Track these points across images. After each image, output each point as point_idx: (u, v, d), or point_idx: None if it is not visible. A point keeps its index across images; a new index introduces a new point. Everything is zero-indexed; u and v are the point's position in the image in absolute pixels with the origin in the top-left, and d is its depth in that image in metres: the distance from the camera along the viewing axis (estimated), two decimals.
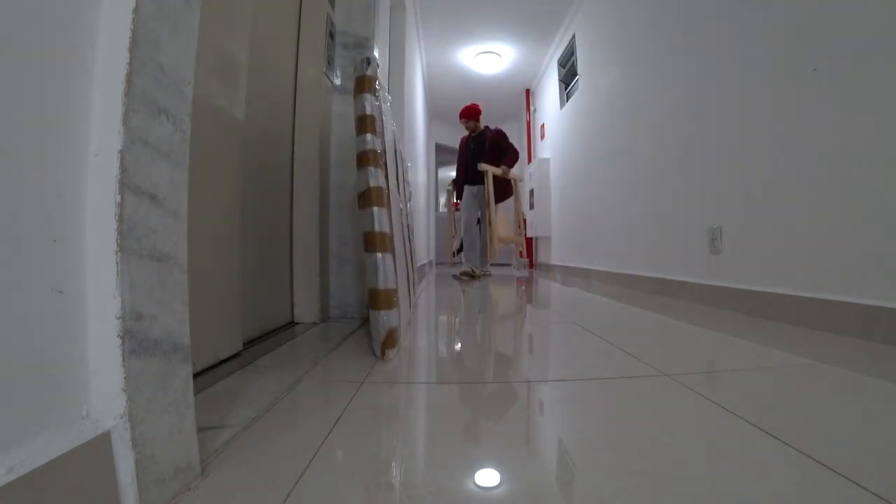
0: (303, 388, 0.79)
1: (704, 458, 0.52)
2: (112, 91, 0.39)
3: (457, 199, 4.14)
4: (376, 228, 1.04)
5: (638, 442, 0.56)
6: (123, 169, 0.38)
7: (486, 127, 3.80)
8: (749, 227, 1.59)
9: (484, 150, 3.68)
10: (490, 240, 3.60)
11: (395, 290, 1.06)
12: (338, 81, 1.65)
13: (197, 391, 0.71)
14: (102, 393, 0.38)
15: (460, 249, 3.91)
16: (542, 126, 5.19)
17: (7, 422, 0.31)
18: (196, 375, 0.82)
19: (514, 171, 3.88)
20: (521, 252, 5.53)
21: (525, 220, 4.85)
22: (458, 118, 4.07)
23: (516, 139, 6.61)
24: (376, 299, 1.01)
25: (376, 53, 1.75)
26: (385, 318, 0.99)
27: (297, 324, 1.43)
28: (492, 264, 5.05)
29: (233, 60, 0.98)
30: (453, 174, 7.33)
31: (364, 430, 0.60)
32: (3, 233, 0.32)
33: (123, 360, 0.37)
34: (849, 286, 1.20)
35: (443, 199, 7.83)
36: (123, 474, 0.38)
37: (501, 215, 3.89)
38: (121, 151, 0.38)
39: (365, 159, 1.09)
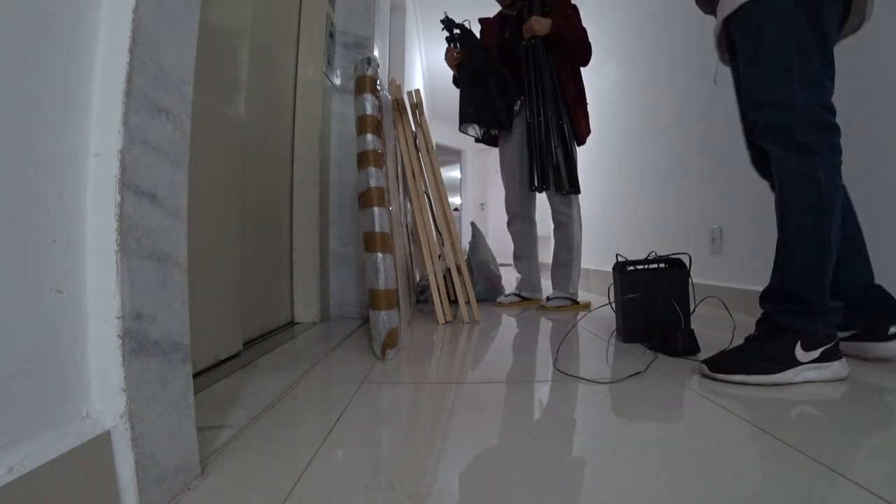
0: (303, 388, 0.79)
1: (704, 457, 0.52)
2: (112, 91, 0.39)
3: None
4: (377, 228, 1.04)
5: (638, 441, 0.56)
6: (123, 169, 0.38)
7: None
8: (749, 228, 1.59)
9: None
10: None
11: (396, 290, 1.06)
12: (338, 81, 1.65)
13: (197, 391, 0.71)
14: (102, 393, 0.38)
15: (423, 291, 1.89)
16: None
17: (7, 421, 0.31)
18: (196, 375, 0.82)
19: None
20: None
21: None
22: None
23: None
24: (376, 299, 1.01)
25: (376, 53, 1.75)
26: (385, 318, 0.99)
27: (297, 324, 1.43)
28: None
29: (233, 60, 0.98)
30: (454, 174, 6.25)
31: (364, 430, 0.60)
32: (2, 233, 0.32)
33: (123, 360, 0.37)
34: None
35: None
36: (123, 474, 0.38)
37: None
38: (121, 151, 0.38)
39: (365, 159, 1.09)
